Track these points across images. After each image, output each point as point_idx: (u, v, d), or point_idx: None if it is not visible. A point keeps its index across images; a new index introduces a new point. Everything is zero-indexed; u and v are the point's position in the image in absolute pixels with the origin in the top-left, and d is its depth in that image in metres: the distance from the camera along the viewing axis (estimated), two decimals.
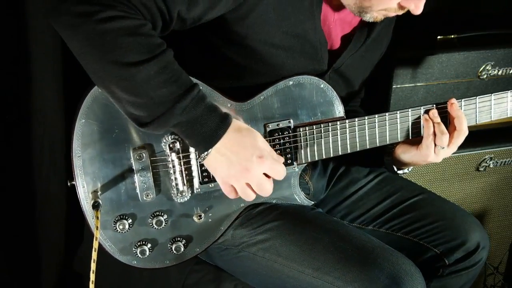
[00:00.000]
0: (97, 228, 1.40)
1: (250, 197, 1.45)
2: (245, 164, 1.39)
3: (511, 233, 2.49)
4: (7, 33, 1.75)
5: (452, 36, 2.21)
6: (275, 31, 1.46)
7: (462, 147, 2.20)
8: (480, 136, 2.23)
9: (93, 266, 1.35)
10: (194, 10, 1.33)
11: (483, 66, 2.17)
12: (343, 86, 1.75)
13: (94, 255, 1.35)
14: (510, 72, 2.19)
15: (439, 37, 2.21)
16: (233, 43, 1.46)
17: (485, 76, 2.19)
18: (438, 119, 1.58)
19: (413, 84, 2.16)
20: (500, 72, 2.19)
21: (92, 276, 1.35)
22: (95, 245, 1.36)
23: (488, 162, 2.28)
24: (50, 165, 1.96)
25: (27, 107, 1.86)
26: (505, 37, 2.21)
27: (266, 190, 1.44)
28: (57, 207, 2.03)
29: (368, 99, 2.02)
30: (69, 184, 1.49)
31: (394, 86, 2.18)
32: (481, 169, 2.29)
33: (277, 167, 1.45)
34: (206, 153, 1.38)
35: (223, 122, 1.37)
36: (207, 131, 1.35)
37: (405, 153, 1.68)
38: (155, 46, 1.27)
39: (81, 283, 1.84)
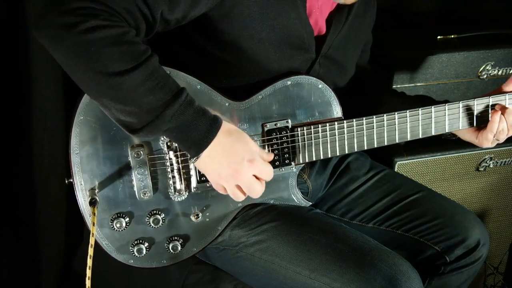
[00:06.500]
0: (93, 224, 1.40)
1: (239, 198, 1.45)
2: (235, 167, 1.40)
3: (511, 233, 2.49)
4: (7, 33, 1.76)
5: (452, 36, 2.21)
6: (260, 25, 1.46)
7: (462, 147, 2.22)
8: None
9: (89, 262, 1.35)
10: (176, 10, 1.32)
11: (483, 66, 2.17)
12: (336, 70, 1.73)
13: (90, 251, 1.36)
14: (510, 72, 2.20)
15: (439, 37, 2.21)
16: (220, 41, 1.46)
17: (485, 76, 2.19)
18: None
19: (413, 84, 2.16)
20: (500, 72, 2.19)
21: (89, 272, 1.36)
22: (92, 241, 1.37)
23: (488, 162, 2.28)
24: (50, 165, 1.96)
25: (27, 107, 1.87)
26: (505, 37, 2.21)
27: (256, 191, 1.44)
28: (57, 207, 2.04)
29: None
30: (66, 182, 1.49)
31: (394, 86, 2.18)
32: (481, 169, 2.29)
33: (266, 169, 1.45)
34: (196, 157, 1.38)
35: (213, 126, 1.36)
36: (197, 136, 1.35)
37: (459, 134, 1.75)
38: (140, 54, 1.26)
39: (81, 283, 1.84)
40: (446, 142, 2.22)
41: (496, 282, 2.56)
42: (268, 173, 1.46)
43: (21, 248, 1.93)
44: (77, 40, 1.19)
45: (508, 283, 2.53)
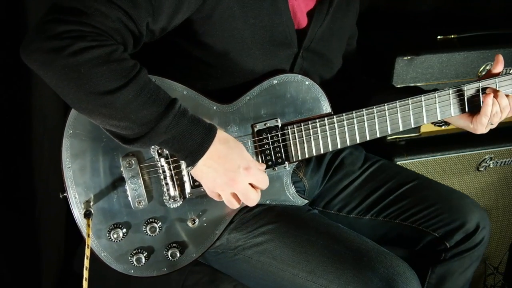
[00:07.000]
0: (88, 236, 1.40)
1: (234, 206, 1.47)
2: (231, 175, 1.40)
3: (511, 233, 2.48)
4: (7, 33, 1.76)
5: (452, 36, 2.21)
6: (242, 25, 1.46)
7: (462, 147, 2.22)
8: (480, 136, 2.22)
9: (85, 274, 1.35)
10: (160, 19, 1.33)
11: (483, 66, 2.16)
12: (321, 63, 1.72)
13: (86, 262, 1.35)
14: (510, 72, 2.18)
15: (439, 37, 2.21)
16: (203, 44, 1.46)
17: None
18: (505, 101, 1.61)
19: (413, 84, 2.16)
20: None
21: (85, 284, 1.35)
22: (87, 252, 1.36)
23: (488, 162, 2.27)
24: (50, 165, 1.97)
25: (27, 107, 1.87)
26: (505, 37, 2.20)
27: (252, 199, 1.46)
28: (57, 207, 2.05)
29: None
30: (61, 196, 1.49)
31: None
32: (481, 169, 2.29)
33: (262, 177, 1.47)
34: (192, 165, 1.38)
35: (208, 134, 1.37)
36: (193, 145, 1.35)
37: (452, 121, 1.73)
38: (129, 70, 1.27)
39: (81, 283, 1.85)
40: (446, 142, 2.23)
41: (496, 282, 2.56)
42: (264, 181, 1.48)
43: (21, 248, 1.93)
44: (66, 63, 1.19)
45: (508, 283, 2.53)
